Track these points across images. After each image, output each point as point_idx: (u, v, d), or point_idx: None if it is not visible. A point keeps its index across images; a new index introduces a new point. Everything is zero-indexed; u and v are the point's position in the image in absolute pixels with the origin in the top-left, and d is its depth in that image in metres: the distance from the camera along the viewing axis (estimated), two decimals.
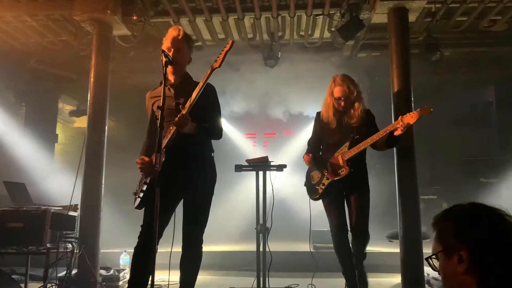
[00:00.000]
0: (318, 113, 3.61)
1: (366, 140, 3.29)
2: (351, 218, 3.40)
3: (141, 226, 2.68)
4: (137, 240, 2.64)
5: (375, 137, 3.26)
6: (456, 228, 1.18)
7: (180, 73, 2.79)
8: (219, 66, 2.49)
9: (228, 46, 2.49)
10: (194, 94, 2.53)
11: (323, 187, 3.43)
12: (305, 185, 3.65)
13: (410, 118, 3.14)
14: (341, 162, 3.35)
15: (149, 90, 2.96)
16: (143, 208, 2.73)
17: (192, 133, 2.60)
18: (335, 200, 3.42)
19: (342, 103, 3.39)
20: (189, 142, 2.64)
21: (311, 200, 3.59)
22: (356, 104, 3.39)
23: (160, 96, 2.43)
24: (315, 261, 3.97)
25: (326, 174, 3.42)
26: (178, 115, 2.50)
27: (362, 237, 3.36)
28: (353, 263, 3.42)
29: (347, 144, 3.35)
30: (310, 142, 3.67)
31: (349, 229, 3.43)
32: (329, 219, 3.46)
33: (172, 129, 2.58)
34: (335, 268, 3.62)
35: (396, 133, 3.19)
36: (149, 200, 2.57)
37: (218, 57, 2.50)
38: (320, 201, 3.52)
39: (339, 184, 3.37)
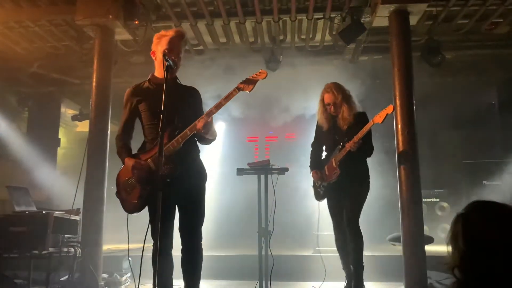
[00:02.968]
0: None
1: (349, 142, 3.40)
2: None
3: (156, 232, 2.43)
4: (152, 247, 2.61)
5: (355, 139, 3.36)
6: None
7: (172, 76, 2.79)
8: (250, 91, 2.65)
9: (263, 75, 2.65)
10: (214, 109, 2.60)
11: (323, 189, 3.69)
12: (312, 186, 3.85)
13: (379, 118, 3.40)
14: (334, 165, 3.55)
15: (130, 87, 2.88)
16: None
17: (209, 136, 2.70)
18: (334, 200, 3.66)
19: (332, 108, 3.62)
20: (183, 144, 2.65)
21: (319, 203, 3.81)
22: (344, 108, 3.58)
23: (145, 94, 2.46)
24: (320, 265, 3.96)
25: (324, 178, 3.67)
26: (202, 120, 2.55)
27: (348, 226, 3.45)
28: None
29: (339, 147, 3.56)
30: (313, 144, 3.90)
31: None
32: (331, 218, 3.70)
33: (178, 136, 2.60)
34: (339, 271, 3.65)
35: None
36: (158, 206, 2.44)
37: (249, 84, 2.64)
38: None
39: (336, 184, 3.57)
